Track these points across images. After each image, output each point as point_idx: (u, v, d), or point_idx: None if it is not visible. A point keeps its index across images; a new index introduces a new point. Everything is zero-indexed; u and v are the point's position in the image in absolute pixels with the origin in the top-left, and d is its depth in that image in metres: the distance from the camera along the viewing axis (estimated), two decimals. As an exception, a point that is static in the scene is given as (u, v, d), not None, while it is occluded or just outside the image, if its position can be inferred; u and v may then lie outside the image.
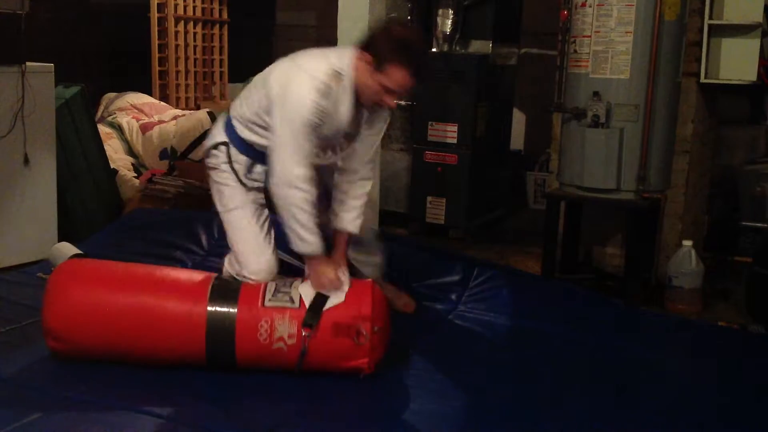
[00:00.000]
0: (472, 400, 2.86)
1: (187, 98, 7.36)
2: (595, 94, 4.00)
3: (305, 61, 2.98)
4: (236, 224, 3.16)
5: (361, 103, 3.00)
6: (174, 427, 2.56)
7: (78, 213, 4.90)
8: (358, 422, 2.68)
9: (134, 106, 6.43)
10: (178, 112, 6.49)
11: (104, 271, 3.04)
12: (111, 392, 2.75)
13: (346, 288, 2.94)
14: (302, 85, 2.88)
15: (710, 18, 4.15)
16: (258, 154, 3.10)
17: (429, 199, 5.29)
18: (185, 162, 5.77)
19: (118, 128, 6.10)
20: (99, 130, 5.38)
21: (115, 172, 5.42)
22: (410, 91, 3.02)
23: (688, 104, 4.30)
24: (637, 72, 3.95)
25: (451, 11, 5.29)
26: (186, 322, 2.85)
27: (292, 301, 2.89)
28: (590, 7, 4.00)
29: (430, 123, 5.24)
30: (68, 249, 4.00)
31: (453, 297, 3.81)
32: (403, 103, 5.49)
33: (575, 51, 4.10)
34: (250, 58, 6.20)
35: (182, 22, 7.24)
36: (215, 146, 3.18)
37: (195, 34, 7.40)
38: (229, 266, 3.18)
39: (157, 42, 7.11)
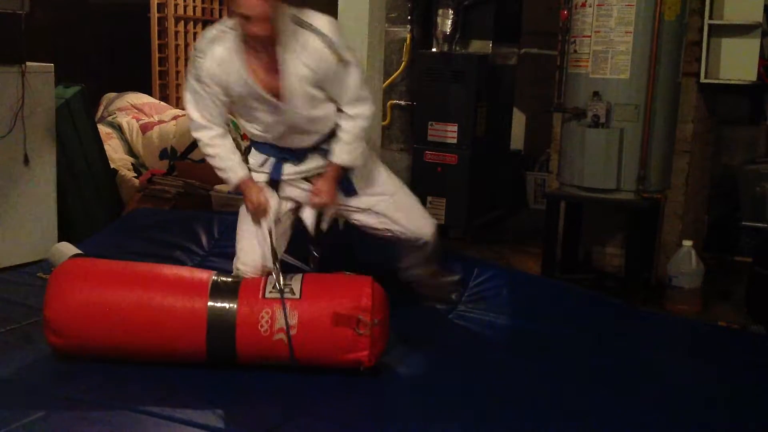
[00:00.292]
0: (472, 400, 2.86)
1: (187, 98, 7.35)
2: (595, 94, 4.00)
3: None
4: (240, 218, 3.24)
5: (253, 46, 2.92)
6: (174, 427, 2.56)
7: (78, 213, 4.90)
8: (358, 422, 2.68)
9: (134, 106, 6.43)
10: (178, 112, 6.48)
11: (105, 268, 3.07)
12: (111, 392, 2.75)
13: (269, 208, 3.09)
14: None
15: (710, 18, 4.15)
16: (257, 145, 3.20)
17: (429, 199, 5.28)
18: (185, 162, 5.76)
19: (118, 128, 6.10)
20: (99, 130, 5.38)
21: (115, 172, 5.42)
22: (263, 13, 2.77)
23: (688, 104, 4.30)
24: (637, 72, 3.95)
25: (451, 11, 5.29)
26: (187, 316, 2.86)
27: (292, 292, 2.91)
28: (590, 7, 4.00)
29: (430, 123, 5.23)
30: (68, 249, 4.00)
31: (453, 297, 3.81)
32: (403, 103, 5.49)
33: (575, 51, 4.10)
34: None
35: (182, 22, 7.24)
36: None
37: (195, 34, 7.40)
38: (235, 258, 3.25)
39: (157, 42, 7.11)
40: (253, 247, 3.12)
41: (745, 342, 3.63)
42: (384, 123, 5.42)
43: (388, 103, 5.54)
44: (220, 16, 7.66)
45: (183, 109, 6.78)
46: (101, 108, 6.51)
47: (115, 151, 5.78)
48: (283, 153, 3.16)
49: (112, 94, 6.63)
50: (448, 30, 5.31)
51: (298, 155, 3.15)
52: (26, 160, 4.30)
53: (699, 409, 2.86)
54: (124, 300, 2.89)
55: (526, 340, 3.46)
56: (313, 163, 3.18)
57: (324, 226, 3.26)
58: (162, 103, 6.79)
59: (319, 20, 2.92)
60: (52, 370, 2.92)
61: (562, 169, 4.29)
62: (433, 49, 5.37)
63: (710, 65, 4.21)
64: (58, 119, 4.55)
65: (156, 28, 7.10)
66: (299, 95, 2.96)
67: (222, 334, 2.86)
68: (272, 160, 3.18)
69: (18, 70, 4.19)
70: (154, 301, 2.89)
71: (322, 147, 3.16)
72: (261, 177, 3.19)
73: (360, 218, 3.32)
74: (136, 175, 5.63)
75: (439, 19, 5.33)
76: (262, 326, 2.86)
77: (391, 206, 3.32)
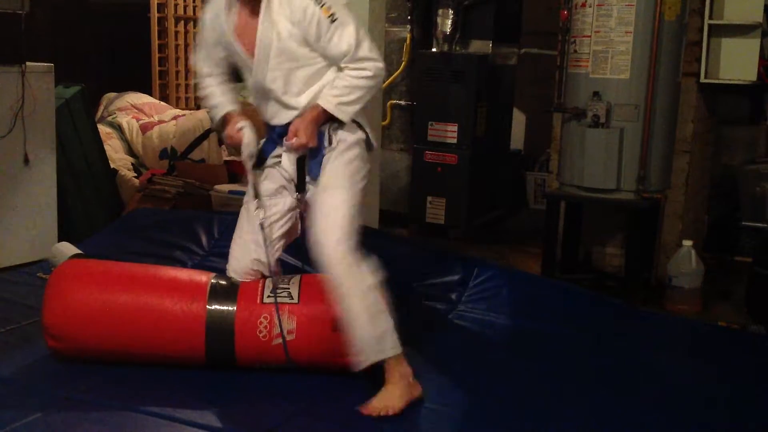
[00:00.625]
0: (472, 400, 2.86)
1: (187, 98, 7.36)
2: (595, 94, 4.00)
3: None
4: (238, 221, 3.10)
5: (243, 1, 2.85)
6: (174, 427, 2.56)
7: (78, 213, 4.90)
8: (358, 422, 2.68)
9: (134, 106, 6.43)
10: (178, 112, 6.48)
11: (104, 270, 3.05)
12: (111, 392, 2.75)
13: (245, 141, 2.87)
14: None
15: (710, 18, 4.16)
16: (269, 128, 3.02)
17: (429, 199, 5.29)
18: (185, 162, 5.77)
19: (118, 128, 6.10)
20: (99, 130, 5.39)
21: (115, 172, 5.42)
22: None
23: (688, 104, 4.30)
24: (637, 72, 3.96)
25: (451, 11, 5.29)
26: (185, 319, 2.85)
27: (290, 296, 2.90)
28: (590, 7, 4.01)
29: (430, 123, 5.24)
30: (68, 249, 4.00)
31: (453, 297, 3.81)
32: (403, 102, 5.50)
33: (575, 51, 4.10)
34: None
35: (182, 22, 7.24)
36: None
37: (195, 34, 7.39)
38: None
39: (157, 42, 7.11)
40: (243, 254, 3.01)
41: (745, 342, 3.63)
42: (384, 123, 5.43)
43: (388, 103, 5.55)
44: (220, 16, 7.65)
45: (183, 109, 6.84)
46: (101, 108, 6.51)
47: (115, 151, 5.79)
48: (274, 132, 2.98)
49: (112, 94, 6.63)
50: (448, 30, 5.32)
51: (282, 134, 2.92)
52: (26, 160, 4.30)
53: (699, 409, 2.86)
54: (123, 305, 2.87)
55: (526, 340, 3.46)
56: None
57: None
58: (162, 103, 6.79)
59: None
60: (52, 370, 2.92)
61: (562, 169, 4.29)
62: (433, 49, 5.38)
63: (710, 65, 4.21)
64: (58, 119, 4.55)
65: (156, 28, 7.10)
66: (273, 52, 2.79)
67: (221, 339, 2.85)
68: (270, 138, 3.01)
69: (18, 70, 4.19)
70: (152, 305, 2.87)
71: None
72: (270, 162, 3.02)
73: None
74: (136, 175, 5.63)
75: (439, 19, 5.34)
76: (260, 332, 2.85)
77: (319, 199, 2.84)
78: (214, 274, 3.05)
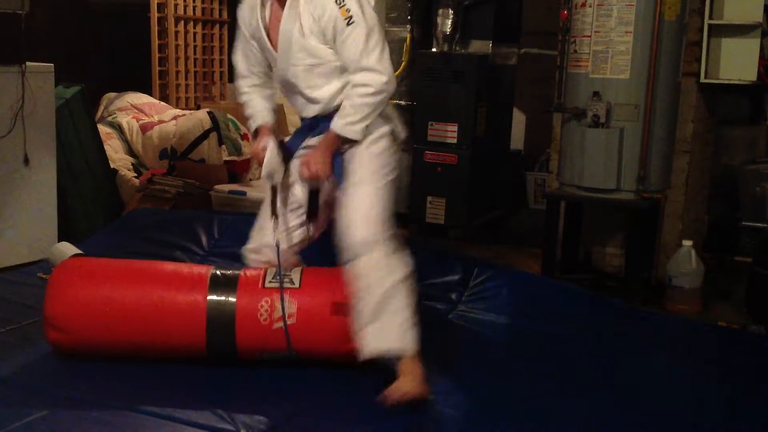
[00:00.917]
0: (472, 400, 2.86)
1: (187, 98, 7.36)
2: (595, 94, 4.00)
3: None
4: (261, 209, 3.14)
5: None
6: (174, 427, 2.56)
7: (78, 213, 4.90)
8: (358, 422, 2.68)
9: (134, 106, 6.43)
10: (178, 112, 6.49)
11: (105, 264, 3.08)
12: (111, 392, 2.75)
13: (265, 161, 2.91)
14: None
15: (710, 18, 4.15)
16: (301, 120, 3.14)
17: (429, 199, 5.28)
18: (185, 162, 5.77)
19: (118, 128, 6.10)
20: (99, 130, 5.39)
21: (115, 172, 5.43)
22: None
23: (688, 104, 4.30)
24: (637, 72, 3.96)
25: (451, 11, 5.29)
26: (186, 309, 2.87)
27: (292, 282, 2.92)
28: (590, 7, 4.01)
29: (430, 123, 5.23)
30: (68, 249, 4.00)
31: (453, 297, 3.81)
32: (403, 103, 5.50)
33: (575, 51, 4.10)
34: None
35: (182, 22, 7.24)
36: None
37: (195, 34, 7.41)
38: None
39: (157, 42, 7.12)
40: (254, 238, 3.11)
41: (745, 342, 3.63)
42: (384, 123, 5.42)
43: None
44: (221, 16, 7.66)
45: (183, 109, 6.84)
46: (101, 108, 6.52)
47: (115, 151, 5.79)
48: (304, 124, 3.07)
49: (112, 94, 6.64)
50: (448, 30, 5.32)
51: (311, 126, 3.00)
52: (26, 160, 4.31)
53: (699, 409, 2.86)
54: (124, 295, 2.90)
55: (526, 340, 3.46)
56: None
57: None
58: (162, 103, 6.80)
59: None
60: (52, 370, 2.92)
61: (562, 169, 4.29)
62: (433, 49, 5.37)
63: (710, 65, 4.21)
64: (58, 119, 4.56)
65: (156, 28, 7.10)
66: (295, 46, 2.82)
67: (222, 324, 2.87)
68: (298, 132, 3.10)
69: (18, 70, 4.19)
70: (153, 295, 2.90)
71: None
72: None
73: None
74: (136, 175, 5.63)
75: (439, 19, 5.33)
76: (261, 315, 2.87)
77: (348, 193, 2.86)
78: (214, 266, 3.07)
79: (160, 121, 6.16)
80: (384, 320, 2.74)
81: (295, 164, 3.01)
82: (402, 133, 3.02)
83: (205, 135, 5.88)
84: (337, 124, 2.83)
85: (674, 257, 4.11)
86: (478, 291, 3.85)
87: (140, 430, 2.53)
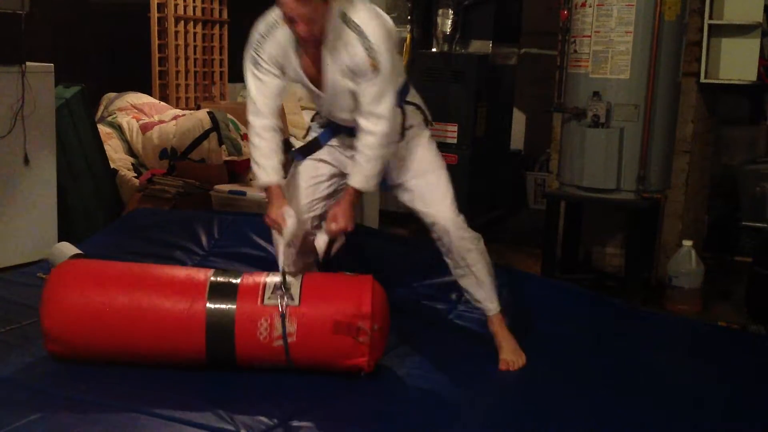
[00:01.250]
0: (472, 401, 2.86)
1: (187, 98, 7.36)
2: (595, 94, 4.00)
3: None
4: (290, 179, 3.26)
5: (302, 45, 2.97)
6: (174, 427, 2.56)
7: (78, 213, 4.90)
8: (358, 422, 2.68)
9: (134, 106, 6.43)
10: (178, 112, 6.48)
11: (101, 271, 3.02)
12: (111, 392, 2.74)
13: (287, 229, 2.98)
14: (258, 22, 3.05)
15: (710, 18, 4.16)
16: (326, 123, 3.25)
17: (429, 199, 5.28)
18: (185, 162, 5.76)
19: (118, 128, 6.10)
20: (99, 130, 5.38)
21: (115, 172, 5.42)
22: (301, 15, 2.79)
23: (688, 104, 4.31)
24: (637, 72, 3.96)
25: (451, 11, 5.30)
26: (185, 320, 2.84)
27: (291, 297, 2.88)
28: (590, 7, 4.01)
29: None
30: (68, 249, 4.00)
31: (453, 297, 3.81)
32: (403, 103, 5.50)
33: (575, 51, 4.10)
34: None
35: (182, 22, 7.24)
36: None
37: (195, 34, 7.40)
38: None
39: (157, 42, 7.11)
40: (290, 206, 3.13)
41: (745, 342, 3.63)
42: (384, 123, 5.42)
43: (388, 103, 5.54)
44: (221, 16, 7.66)
45: (183, 109, 6.84)
46: (101, 108, 6.51)
47: (115, 151, 5.78)
48: (339, 125, 3.18)
49: (112, 94, 6.63)
50: (448, 30, 5.32)
51: (349, 131, 3.12)
52: (26, 160, 4.30)
53: (699, 409, 2.86)
54: (121, 306, 2.86)
55: (527, 340, 3.45)
56: None
57: (334, 249, 3.21)
58: (162, 103, 6.79)
59: (366, 19, 2.87)
60: (52, 370, 2.92)
61: (562, 169, 4.29)
62: (433, 49, 5.38)
63: (710, 65, 4.21)
64: (58, 119, 4.55)
65: (156, 28, 7.09)
66: (339, 90, 2.98)
67: (221, 340, 2.84)
68: (329, 129, 3.21)
69: (18, 70, 4.19)
70: (151, 305, 2.86)
71: None
72: (312, 135, 3.25)
73: (396, 193, 3.28)
74: (136, 175, 5.62)
75: (439, 19, 5.34)
76: (261, 333, 2.84)
77: (419, 185, 3.17)
78: (212, 271, 3.03)
79: (160, 121, 6.16)
80: (491, 282, 3.24)
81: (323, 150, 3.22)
82: (429, 115, 3.26)
83: (205, 135, 5.87)
84: (358, 181, 3.05)
85: (674, 257, 4.12)
86: (478, 291, 3.84)
87: (140, 431, 2.53)
